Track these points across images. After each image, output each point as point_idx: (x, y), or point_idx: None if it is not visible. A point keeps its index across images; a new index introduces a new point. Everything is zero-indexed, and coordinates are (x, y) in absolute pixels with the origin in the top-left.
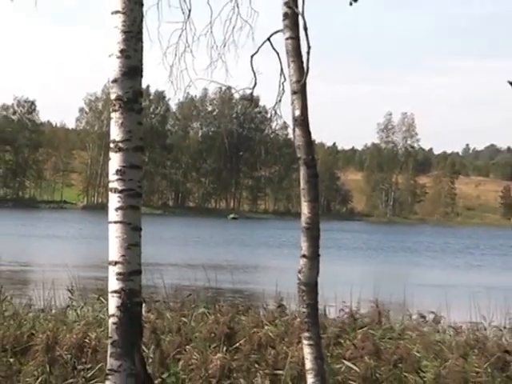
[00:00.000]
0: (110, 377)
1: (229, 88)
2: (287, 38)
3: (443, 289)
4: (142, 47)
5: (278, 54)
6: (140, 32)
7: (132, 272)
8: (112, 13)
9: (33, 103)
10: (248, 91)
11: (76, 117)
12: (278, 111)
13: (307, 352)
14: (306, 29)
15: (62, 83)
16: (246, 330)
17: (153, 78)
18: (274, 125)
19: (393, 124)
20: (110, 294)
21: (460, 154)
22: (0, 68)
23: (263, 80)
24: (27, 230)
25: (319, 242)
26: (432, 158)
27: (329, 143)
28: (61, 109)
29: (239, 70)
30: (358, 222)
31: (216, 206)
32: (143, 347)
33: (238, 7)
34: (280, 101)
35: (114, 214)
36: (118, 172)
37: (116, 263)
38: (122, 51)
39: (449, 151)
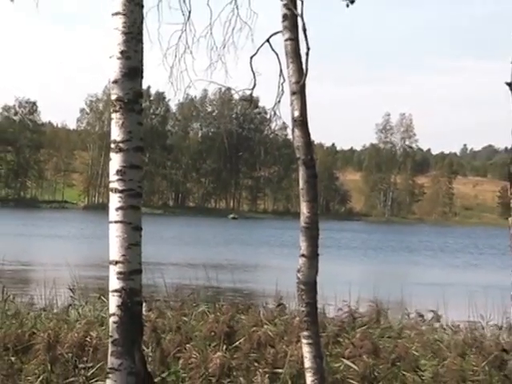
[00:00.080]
0: (110, 375)
1: (228, 89)
2: (286, 40)
3: (441, 288)
4: (142, 48)
5: (277, 55)
6: (140, 33)
7: (132, 271)
8: (112, 14)
9: (34, 104)
10: (247, 92)
11: (77, 117)
12: (277, 112)
13: (306, 351)
14: (304, 30)
15: (63, 84)
16: (246, 328)
17: (153, 79)
18: (273, 125)
19: (391, 125)
20: (110, 293)
21: (458, 154)
22: (1, 68)
23: (263, 81)
24: (29, 229)
25: (318, 241)
26: (430, 158)
27: (328, 144)
28: (61, 109)
29: (239, 71)
30: (357, 222)
31: (216, 206)
32: (143, 346)
33: (237, 9)
34: (279, 101)
35: (114, 214)
36: (118, 172)
37: (117, 262)
38: (122, 52)
39: (447, 151)
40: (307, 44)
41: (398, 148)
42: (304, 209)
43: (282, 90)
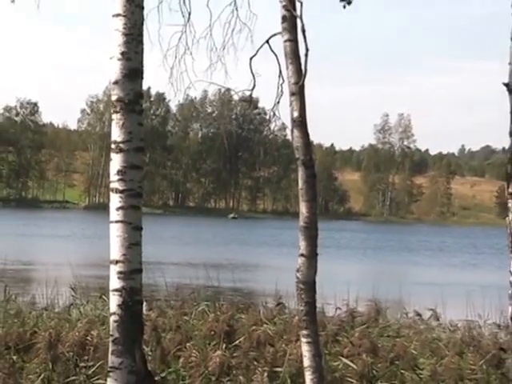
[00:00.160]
0: (111, 374)
1: (228, 90)
2: (285, 41)
3: (440, 287)
4: (142, 49)
5: (276, 56)
6: (141, 35)
7: (133, 271)
8: (113, 16)
9: (35, 105)
10: (247, 93)
11: (78, 118)
12: (276, 112)
13: (305, 349)
14: (303, 31)
15: (64, 84)
16: (246, 327)
17: (153, 80)
18: (272, 126)
19: (389, 125)
20: (111, 293)
21: (456, 154)
22: (2, 69)
23: (262, 82)
24: (30, 229)
25: (317, 241)
26: (428, 158)
27: (327, 144)
28: (62, 110)
29: (238, 72)
30: (356, 222)
31: (216, 206)
32: (144, 345)
33: (237, 10)
34: (278, 102)
35: (115, 214)
36: (119, 172)
37: (117, 262)
38: (122, 53)
39: (445, 152)
40: (306, 45)
41: (396, 148)
42: (303, 209)
43: (282, 90)
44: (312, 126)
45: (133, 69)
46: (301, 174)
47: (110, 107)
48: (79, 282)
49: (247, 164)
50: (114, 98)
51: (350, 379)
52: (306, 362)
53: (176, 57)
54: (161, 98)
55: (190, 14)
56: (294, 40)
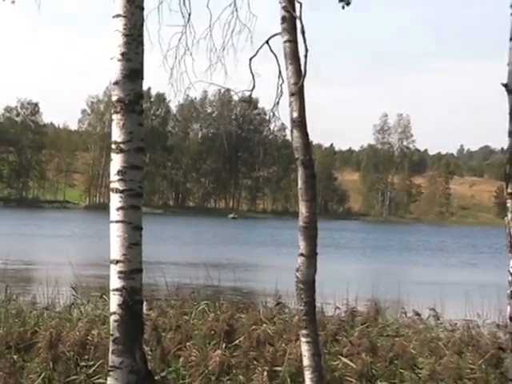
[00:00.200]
0: (111, 373)
1: (228, 90)
2: (285, 41)
3: (439, 287)
4: (142, 50)
5: (276, 56)
6: (141, 35)
7: (133, 270)
8: (113, 16)
9: (36, 105)
10: (247, 93)
11: (78, 118)
12: (276, 113)
13: (305, 349)
14: (303, 32)
15: (64, 85)
16: (245, 327)
17: (153, 81)
18: (272, 126)
19: (389, 125)
20: (111, 292)
21: (455, 154)
22: (3, 69)
23: (262, 82)
24: (31, 229)
25: (317, 240)
26: (427, 158)
27: (326, 144)
28: (63, 110)
29: (238, 73)
30: (355, 222)
31: (215, 206)
32: (144, 344)
33: (236, 11)
34: (278, 103)
35: (115, 214)
36: (119, 172)
37: (117, 262)
38: (123, 54)
39: (443, 152)
40: (306, 46)
41: (395, 148)
42: (303, 208)
43: (281, 91)
44: (311, 126)
45: (133, 69)
46: (300, 174)
47: (110, 108)
48: (80, 282)
49: (247, 164)
50: (114, 98)
51: (349, 378)
52: (306, 362)
53: (176, 57)
54: (161, 98)
55: (189, 14)
56: (293, 41)
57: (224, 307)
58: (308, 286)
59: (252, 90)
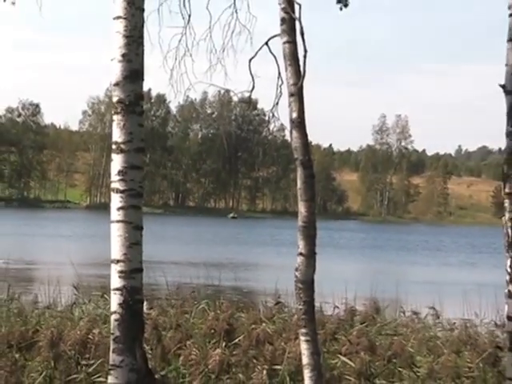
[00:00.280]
0: (112, 372)
1: (228, 91)
2: (284, 43)
3: (437, 286)
4: (143, 51)
5: (275, 57)
6: (141, 37)
7: (133, 270)
8: (114, 18)
9: (37, 106)
10: (246, 94)
11: (79, 119)
12: (275, 113)
13: (304, 348)
14: (302, 33)
15: (65, 85)
16: (245, 326)
17: (154, 82)
18: (271, 127)
19: (387, 126)
20: (112, 292)
21: (452, 155)
22: (4, 70)
23: (261, 83)
24: (32, 229)
25: (316, 240)
26: (425, 159)
27: (325, 145)
28: (64, 111)
29: (238, 74)
30: (354, 221)
31: (215, 206)
32: (144, 343)
33: (236, 13)
34: (277, 103)
35: (115, 214)
36: (119, 173)
37: (118, 261)
38: (123, 55)
39: (441, 152)
40: (305, 47)
41: (393, 149)
42: (302, 208)
43: (281, 92)
44: (311, 126)
45: (133, 70)
46: (299, 174)
47: (110, 108)
48: (81, 281)
49: (247, 164)
50: (114, 99)
51: (348, 377)
52: (305, 360)
53: (176, 59)
54: (161, 99)
55: (189, 16)
56: (292, 42)
57: (224, 306)
58: (307, 285)
59: (252, 91)
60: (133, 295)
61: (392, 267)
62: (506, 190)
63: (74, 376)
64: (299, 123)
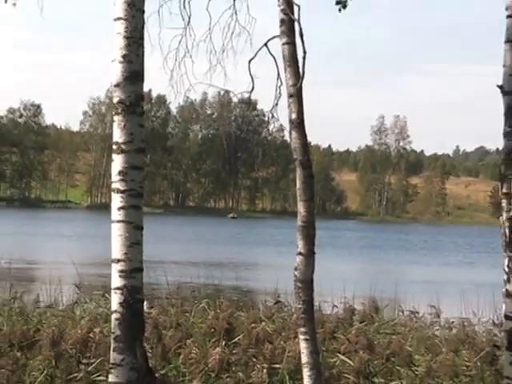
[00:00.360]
0: (112, 370)
1: (227, 92)
2: (284, 44)
3: (435, 285)
4: (143, 52)
5: (274, 58)
6: (141, 38)
7: (134, 269)
8: (114, 19)
9: (38, 107)
10: (246, 95)
11: (80, 120)
12: (274, 114)
13: (303, 346)
14: (301, 35)
15: (66, 86)
16: (245, 325)
17: (154, 83)
18: (271, 127)
19: (386, 127)
20: (112, 291)
21: (450, 155)
22: (5, 71)
23: (261, 84)
24: (33, 229)
25: (315, 240)
26: (423, 159)
27: (324, 145)
28: (65, 112)
29: (237, 75)
30: (353, 221)
31: (215, 206)
32: (145, 342)
33: (236, 14)
34: (277, 104)
35: (116, 214)
36: (120, 173)
37: (118, 261)
38: (124, 56)
39: (440, 153)
40: (304, 48)
41: (392, 149)
42: (301, 208)
43: (280, 92)
44: (310, 127)
45: (134, 71)
46: (299, 174)
47: (111, 109)
48: (82, 281)
49: (246, 164)
50: (115, 100)
51: (346, 375)
52: (304, 359)
53: (176, 60)
54: (161, 100)
55: (189, 17)
56: (291, 43)
57: (224, 305)
58: (306, 284)
59: (251, 92)
60: (133, 294)
61: (391, 267)
62: (504, 190)
63: (75, 374)
64: (298, 124)
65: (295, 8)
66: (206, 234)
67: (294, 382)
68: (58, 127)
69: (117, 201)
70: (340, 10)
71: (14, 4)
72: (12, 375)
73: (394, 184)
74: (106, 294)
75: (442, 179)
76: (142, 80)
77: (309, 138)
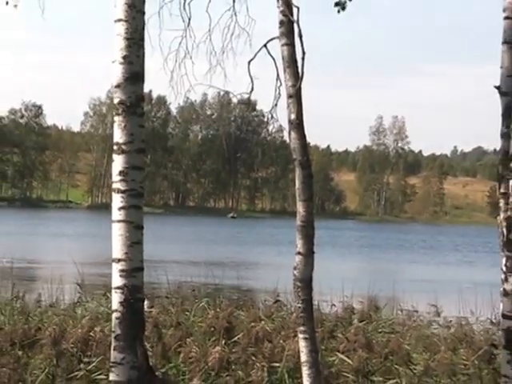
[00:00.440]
0: (113, 369)
1: (227, 93)
2: (283, 45)
3: (434, 284)
4: (143, 54)
5: (274, 59)
6: (142, 39)
7: (134, 269)
8: (115, 21)
9: (40, 107)
10: (246, 96)
11: (81, 120)
12: (274, 115)
13: (302, 345)
14: (300, 36)
15: (67, 87)
16: (245, 324)
17: (154, 83)
18: (270, 128)
19: (384, 127)
20: (113, 290)
21: (448, 155)
22: (7, 72)
23: (260, 85)
24: (35, 228)
25: (314, 239)
26: (421, 159)
27: (323, 145)
28: (66, 112)
29: (237, 76)
30: (351, 221)
31: (215, 206)
32: (145, 341)
33: (235, 15)
34: (276, 105)
35: (117, 214)
36: (120, 173)
37: (119, 260)
38: (124, 57)
39: (437, 153)
40: (303, 49)
41: (390, 150)
42: (300, 208)
43: (279, 93)
44: (309, 127)
45: (134, 72)
46: (298, 174)
47: (112, 110)
48: (83, 280)
49: (246, 165)
50: (116, 100)
51: (345, 374)
52: (303, 358)
53: (176, 61)
54: (162, 100)
55: (190, 19)
56: (291, 44)
57: (224, 305)
58: (305, 283)
59: (251, 93)
60: (134, 294)
61: (390, 266)
62: (501, 190)
63: (76, 373)
64: (298, 124)
65: (294, 9)
66: (205, 233)
67: (293, 380)
68: (59, 128)
69: (117, 201)
70: (339, 12)
71: (16, 6)
72: (13, 374)
73: (393, 184)
74: (107, 293)
75: (440, 179)
76: (143, 81)
77: (308, 139)
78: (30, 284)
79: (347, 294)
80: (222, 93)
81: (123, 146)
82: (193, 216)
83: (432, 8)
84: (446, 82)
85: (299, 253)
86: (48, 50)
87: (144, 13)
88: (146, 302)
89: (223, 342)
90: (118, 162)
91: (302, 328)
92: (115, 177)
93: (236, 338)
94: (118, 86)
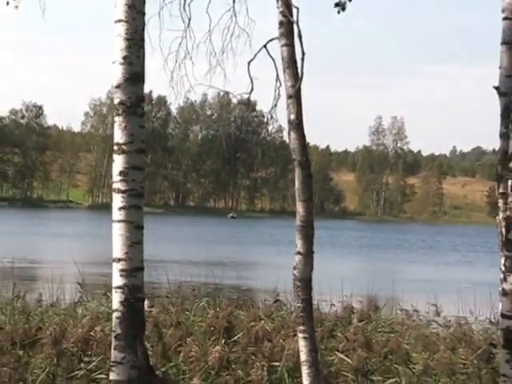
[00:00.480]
0: (113, 368)
1: (227, 93)
2: (282, 45)
3: (433, 284)
4: (143, 54)
5: (273, 60)
6: (142, 40)
7: (135, 269)
8: (115, 21)
9: (40, 108)
10: (245, 96)
11: (81, 121)
12: (274, 115)
13: (302, 345)
14: (300, 36)
15: (67, 87)
16: (244, 323)
17: (154, 84)
18: (270, 128)
19: (383, 127)
20: (113, 290)
21: (447, 155)
22: (8, 73)
23: (260, 85)
24: (35, 228)
25: (313, 239)
26: (421, 159)
27: (323, 146)
28: (66, 113)
29: (237, 76)
30: (351, 221)
31: (215, 206)
32: (145, 340)
33: (235, 16)
34: (276, 105)
35: (117, 214)
36: (121, 173)
37: (119, 260)
38: (124, 58)
39: (437, 153)
40: (302, 49)
41: (389, 150)
42: (300, 208)
43: (279, 93)
44: (308, 128)
45: (134, 73)
46: (297, 174)
47: (112, 110)
48: (84, 280)
49: (246, 165)
50: (116, 101)
51: (345, 373)
52: (303, 357)
53: (176, 61)
54: (162, 101)
55: (190, 19)
56: (290, 45)
57: (224, 304)
58: (305, 283)
59: (250, 93)
60: (134, 293)
61: (389, 266)
62: (500, 190)
63: (76, 372)
64: (297, 125)
65: (294, 10)
66: (205, 233)
67: (292, 379)
68: (60, 128)
69: (118, 201)
70: (339, 12)
71: (17, 6)
72: (14, 373)
73: (392, 184)
74: (108, 293)
75: (439, 179)
76: (143, 81)
77: (307, 139)
78: (30, 284)
79: (347, 294)
80: (221, 93)
81: (123, 147)
82: (193, 216)
83: (432, 7)
84: (446, 82)
85: (299, 253)
86: (48, 51)
87: (144, 13)
88: (146, 302)
89: (223, 341)
90: (118, 162)
91: (301, 327)
92: (115, 177)
93: (236, 338)
94: (118, 87)
